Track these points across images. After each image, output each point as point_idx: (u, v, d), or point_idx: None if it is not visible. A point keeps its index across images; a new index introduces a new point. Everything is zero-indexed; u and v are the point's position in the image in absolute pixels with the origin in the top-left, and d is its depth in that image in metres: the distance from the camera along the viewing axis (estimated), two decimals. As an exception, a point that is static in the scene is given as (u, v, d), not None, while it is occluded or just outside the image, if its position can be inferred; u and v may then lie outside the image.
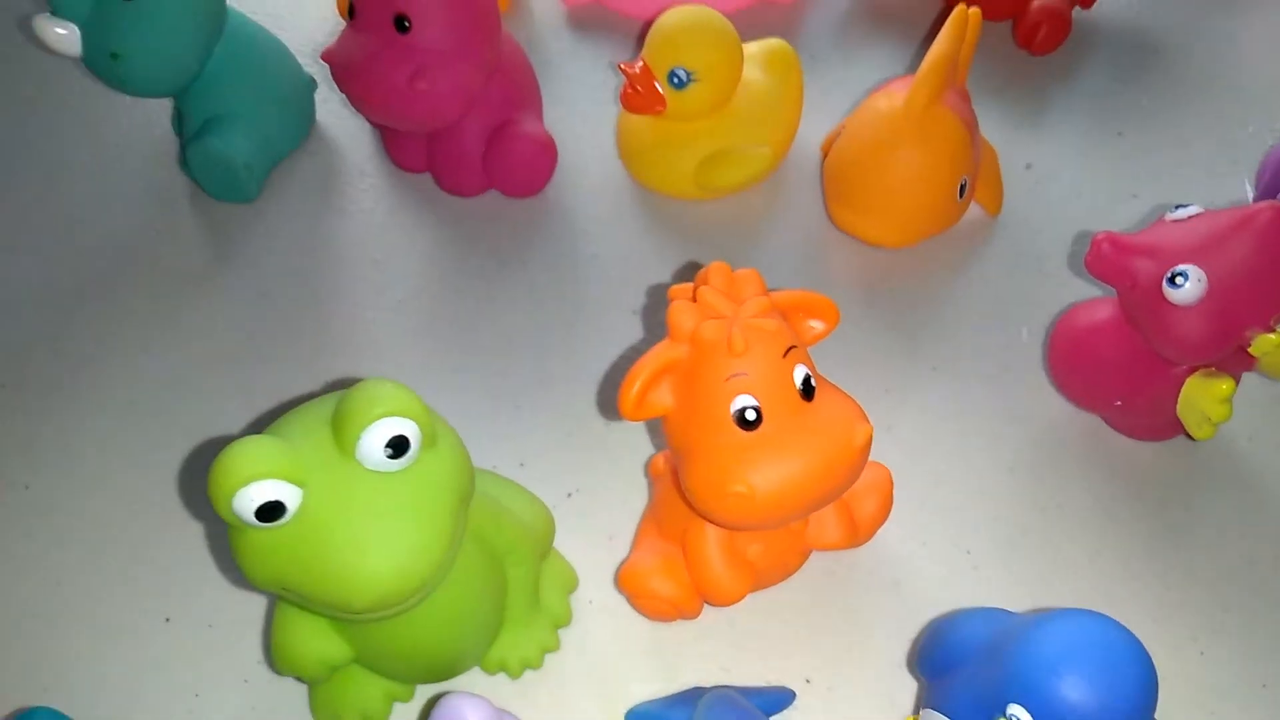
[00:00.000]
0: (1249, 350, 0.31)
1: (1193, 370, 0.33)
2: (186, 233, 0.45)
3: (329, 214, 0.45)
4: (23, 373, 0.41)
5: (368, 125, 0.48)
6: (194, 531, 0.37)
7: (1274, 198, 0.42)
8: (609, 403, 0.39)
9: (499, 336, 0.41)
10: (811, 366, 0.29)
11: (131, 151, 0.48)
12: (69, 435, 0.39)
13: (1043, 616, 0.27)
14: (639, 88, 0.41)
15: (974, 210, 0.44)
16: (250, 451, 0.25)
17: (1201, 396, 0.33)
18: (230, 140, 0.43)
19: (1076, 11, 0.49)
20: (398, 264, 0.43)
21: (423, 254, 0.44)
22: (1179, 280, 0.30)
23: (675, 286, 0.30)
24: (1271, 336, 0.31)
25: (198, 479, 0.38)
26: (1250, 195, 0.44)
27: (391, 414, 0.25)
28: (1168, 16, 0.52)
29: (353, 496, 0.26)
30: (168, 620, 0.35)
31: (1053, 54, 0.49)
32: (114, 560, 0.36)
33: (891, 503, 0.34)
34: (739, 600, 0.32)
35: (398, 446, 0.26)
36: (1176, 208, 0.32)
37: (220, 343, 0.41)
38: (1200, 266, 0.30)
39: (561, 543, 0.35)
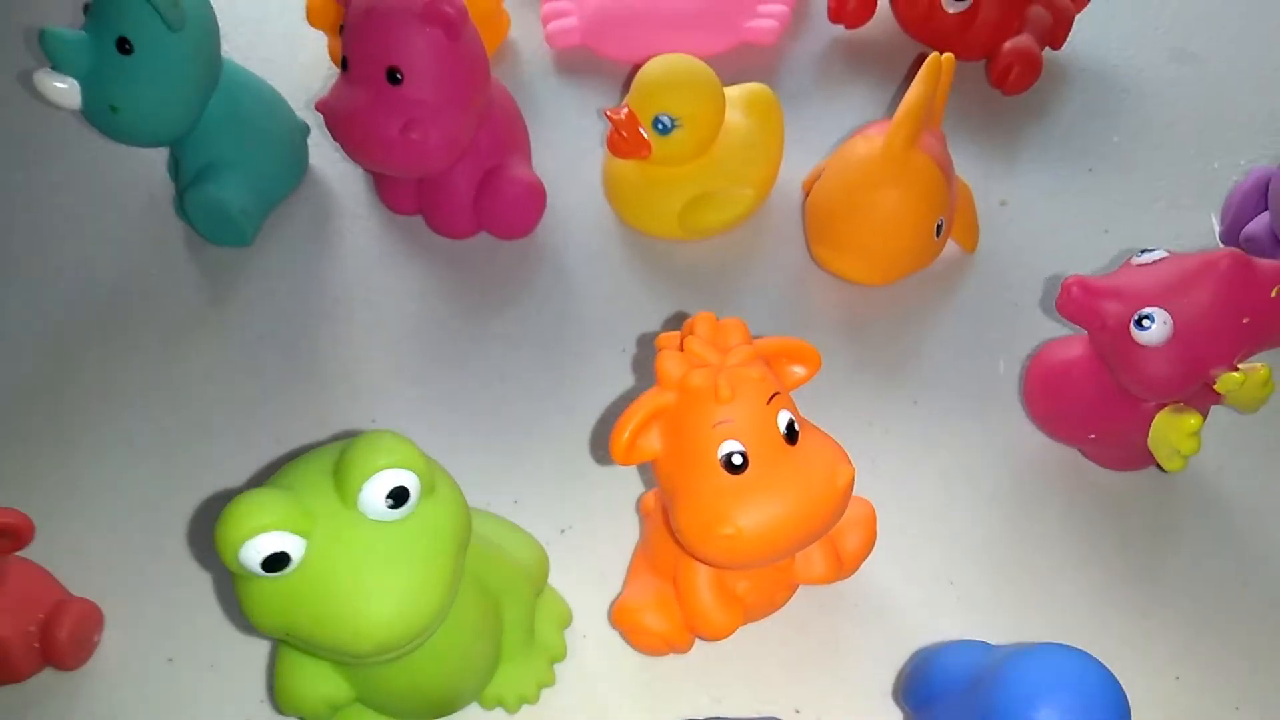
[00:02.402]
0: (1215, 388, 0.33)
1: (1162, 406, 0.35)
2: (184, 277, 0.46)
3: (323, 256, 0.46)
4: (27, 418, 0.42)
5: (360, 169, 0.49)
6: (193, 571, 0.38)
7: (1239, 232, 0.43)
8: (601, 443, 0.40)
9: (492, 375, 0.42)
10: (795, 411, 0.30)
11: (129, 198, 0.49)
12: (74, 480, 0.40)
13: (1019, 651, 0.28)
14: (625, 133, 0.42)
15: (951, 247, 0.45)
16: (255, 504, 0.26)
17: (1171, 431, 0.34)
18: (226, 187, 0.44)
19: (1047, 52, 0.51)
20: (391, 305, 0.44)
21: (415, 295, 0.45)
22: (1146, 323, 0.32)
23: (663, 335, 0.31)
24: (1235, 375, 0.32)
25: (202, 524, 0.39)
26: (1217, 229, 0.45)
27: (392, 466, 0.26)
28: (1135, 57, 0.53)
29: (355, 546, 0.26)
30: (170, 661, 0.36)
31: (1025, 93, 0.51)
32: (117, 603, 0.37)
33: (875, 536, 0.35)
34: (729, 634, 0.33)
35: (398, 497, 0.27)
36: (1142, 252, 0.33)
37: (221, 385, 0.42)
38: (1166, 309, 0.32)
39: (556, 578, 0.36)
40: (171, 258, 0.46)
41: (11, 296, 0.46)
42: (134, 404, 0.42)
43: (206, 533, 0.38)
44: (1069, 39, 0.51)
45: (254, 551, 0.26)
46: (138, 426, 0.41)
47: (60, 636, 0.35)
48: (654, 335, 0.42)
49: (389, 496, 0.26)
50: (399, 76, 0.40)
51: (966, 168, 0.46)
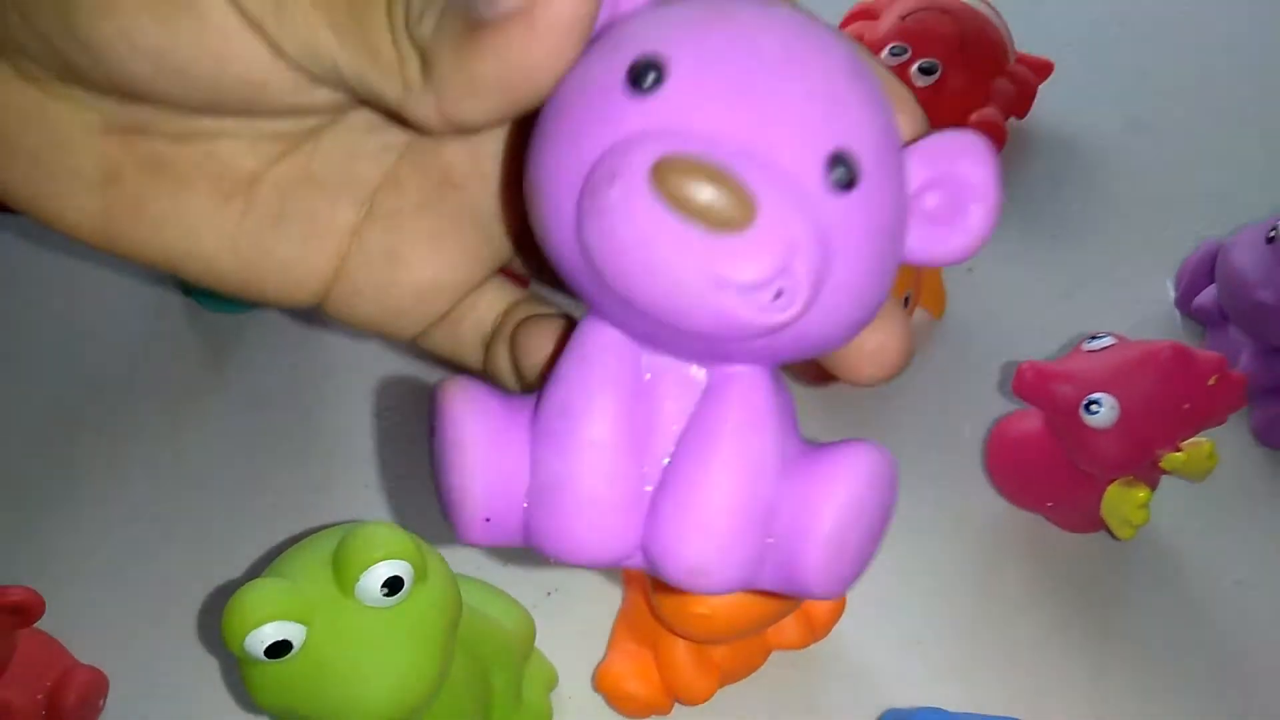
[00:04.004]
0: (1161, 466, 0.35)
1: (1113, 479, 0.37)
2: (184, 346, 0.47)
3: (315, 322, 0.48)
4: (33, 487, 0.43)
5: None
6: (193, 640, 0.39)
7: (1194, 297, 0.46)
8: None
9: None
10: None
11: (127, 267, 0.50)
12: (79, 550, 0.41)
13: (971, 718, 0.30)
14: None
15: (919, 314, 0.47)
16: (259, 595, 0.28)
17: (1121, 503, 0.36)
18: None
19: (1011, 121, 0.53)
20: (382, 370, 0.46)
21: (405, 362, 0.47)
22: (1094, 407, 0.34)
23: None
24: (1178, 455, 0.34)
25: (186, 589, 0.40)
26: (1172, 295, 0.48)
27: (387, 558, 0.28)
28: (1095, 127, 0.55)
29: (353, 632, 0.28)
30: (174, 730, 0.38)
31: None
32: (121, 669, 0.38)
33: (844, 602, 0.37)
34: (707, 699, 0.35)
35: (393, 585, 0.28)
36: (1092, 338, 0.36)
37: (220, 453, 0.44)
38: (1113, 395, 0.34)
39: (542, 639, 0.37)
40: (170, 326, 0.48)
41: (12, 365, 0.47)
42: (136, 474, 0.43)
43: (197, 602, 0.40)
44: (1032, 109, 0.53)
45: (258, 640, 0.27)
46: (140, 496, 0.43)
47: (68, 703, 0.36)
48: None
49: (384, 585, 0.28)
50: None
51: (934, 235, 0.48)
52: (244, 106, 0.19)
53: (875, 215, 0.16)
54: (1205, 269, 0.45)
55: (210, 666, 0.39)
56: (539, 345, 0.20)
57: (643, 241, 0.15)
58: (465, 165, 0.21)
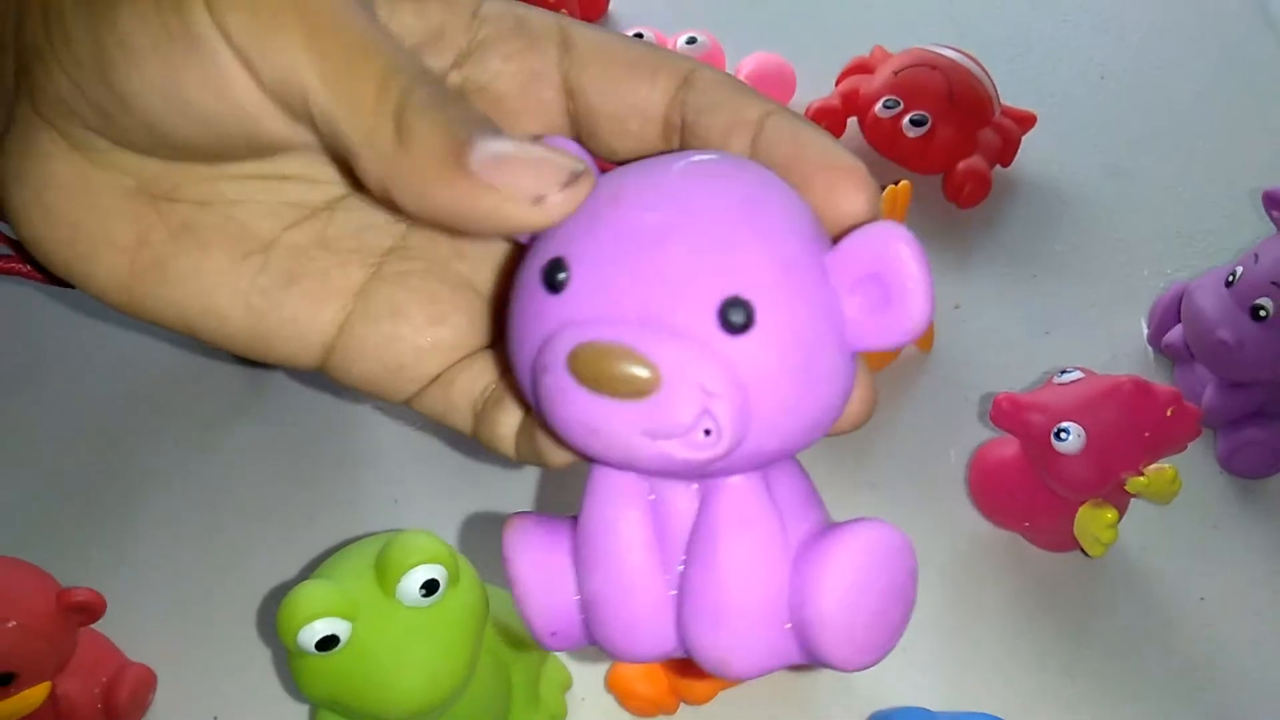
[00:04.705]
0: (1126, 489, 0.38)
1: (1084, 501, 0.40)
2: (222, 364, 0.50)
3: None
4: (83, 498, 0.46)
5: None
6: (236, 640, 0.42)
7: (1165, 334, 0.49)
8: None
9: (503, 461, 0.47)
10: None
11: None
12: (126, 556, 0.44)
13: (953, 718, 0.33)
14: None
15: (909, 347, 0.50)
16: (311, 594, 0.31)
17: (1091, 523, 0.39)
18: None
19: (996, 169, 0.56)
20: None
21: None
22: (1063, 435, 0.37)
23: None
24: (1141, 479, 0.38)
25: (234, 593, 0.43)
26: (1145, 332, 0.51)
27: (425, 562, 0.31)
28: (1075, 175, 0.58)
29: (393, 628, 0.31)
30: (215, 719, 0.41)
31: (977, 207, 0.56)
32: (167, 666, 0.41)
33: (837, 612, 0.40)
34: (709, 700, 0.38)
35: (430, 587, 0.32)
36: (1062, 372, 0.39)
37: (257, 467, 0.47)
38: (1080, 424, 0.37)
39: None
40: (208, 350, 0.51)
41: (66, 380, 0.50)
42: (180, 485, 0.46)
43: (235, 604, 0.43)
44: (1017, 158, 0.57)
45: (309, 634, 0.31)
46: (183, 506, 0.46)
47: (121, 698, 0.39)
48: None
49: (422, 587, 0.31)
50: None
51: (924, 274, 0.52)
52: (248, 144, 0.20)
53: (787, 339, 0.17)
54: (1174, 309, 0.48)
55: (249, 664, 0.42)
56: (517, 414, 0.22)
57: (579, 418, 0.17)
58: (476, 246, 0.23)
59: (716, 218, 0.17)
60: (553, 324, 0.18)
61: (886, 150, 0.57)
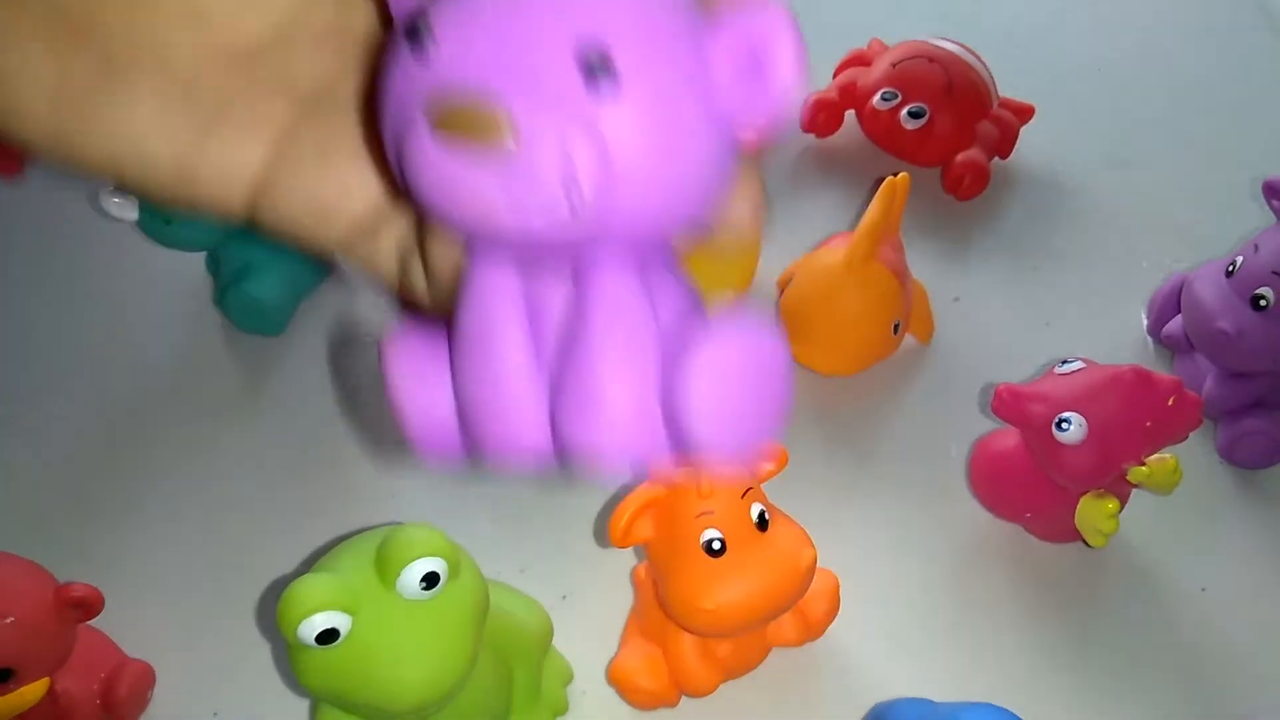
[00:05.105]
0: (1128, 479, 0.38)
1: (1085, 491, 0.40)
2: (222, 363, 0.51)
3: (347, 343, 0.51)
4: (84, 493, 0.46)
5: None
6: (235, 635, 0.42)
7: (1165, 324, 0.49)
8: (601, 527, 0.45)
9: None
10: (765, 502, 0.36)
11: (169, 288, 0.54)
12: (124, 552, 0.44)
13: (955, 708, 0.33)
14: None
15: (909, 340, 0.50)
16: (311, 588, 0.31)
17: (1092, 513, 0.39)
18: (263, 286, 0.49)
19: (995, 161, 0.56)
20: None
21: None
22: (1064, 425, 0.37)
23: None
24: (1143, 469, 0.38)
25: (234, 591, 0.43)
26: (1144, 324, 0.51)
27: (425, 555, 0.31)
28: (1074, 166, 0.59)
29: (393, 622, 0.31)
30: (215, 715, 0.40)
31: (975, 199, 0.56)
32: (166, 663, 0.41)
33: (839, 604, 0.40)
34: (711, 692, 0.38)
35: (430, 580, 0.31)
36: (1063, 363, 0.39)
37: (257, 462, 0.47)
38: (1081, 414, 0.37)
39: (558, 638, 0.40)
40: (210, 344, 0.51)
41: (65, 377, 0.50)
42: (178, 481, 0.47)
43: (245, 602, 0.43)
44: (1015, 149, 0.57)
45: (310, 627, 0.30)
46: (182, 502, 0.46)
47: (120, 694, 0.39)
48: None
49: (423, 580, 0.31)
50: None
51: (923, 266, 0.52)
52: None
53: (651, 95, 0.17)
54: (1174, 299, 0.48)
55: (247, 653, 0.42)
56: (444, 256, 0.21)
57: (443, 180, 0.17)
58: None
59: None
60: (415, 83, 0.17)
61: (884, 142, 0.57)
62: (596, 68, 0.16)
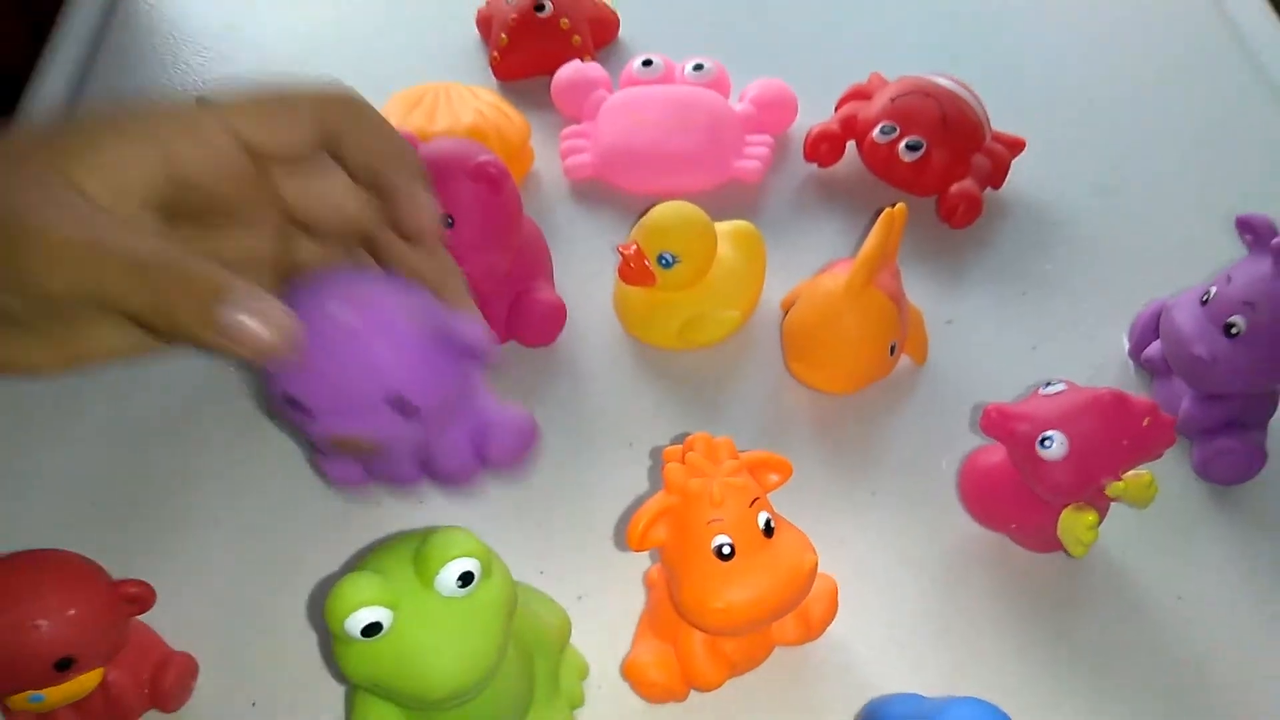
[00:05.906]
0: (1106, 493, 0.41)
1: (1066, 504, 0.43)
2: (250, 382, 0.53)
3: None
4: (127, 496, 0.49)
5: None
6: (272, 629, 0.44)
7: (1145, 348, 0.52)
8: (613, 534, 0.47)
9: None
10: (772, 511, 0.38)
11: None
12: (167, 550, 0.47)
13: (944, 702, 0.36)
14: (634, 265, 0.50)
15: (905, 361, 0.53)
16: (357, 585, 0.33)
17: (1074, 525, 0.41)
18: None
19: (988, 191, 0.59)
20: (434, 402, 0.52)
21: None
22: (1047, 442, 0.40)
23: (668, 449, 0.39)
24: (1120, 484, 0.40)
25: (269, 586, 0.46)
26: (1126, 346, 0.53)
27: (461, 555, 0.33)
28: (1063, 197, 0.61)
29: (432, 617, 0.33)
30: (254, 705, 0.42)
31: (969, 228, 0.58)
32: (207, 654, 0.43)
33: (838, 606, 0.42)
34: (718, 686, 0.40)
35: (465, 579, 0.34)
36: (1047, 384, 0.42)
37: (289, 469, 0.49)
38: (1063, 432, 0.40)
39: (575, 636, 0.42)
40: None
41: (119, 383, 0.52)
42: (214, 486, 0.49)
43: (281, 599, 0.45)
44: (1007, 180, 0.59)
45: (355, 622, 0.33)
46: (224, 508, 0.48)
47: (167, 684, 0.42)
48: (656, 440, 0.49)
49: (459, 579, 0.33)
50: (450, 221, 0.48)
51: (919, 290, 0.54)
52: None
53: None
54: (1154, 325, 0.50)
55: (288, 653, 0.44)
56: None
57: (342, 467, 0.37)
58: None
59: (389, 339, 0.32)
60: (309, 428, 0.33)
61: (883, 173, 0.59)
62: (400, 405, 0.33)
